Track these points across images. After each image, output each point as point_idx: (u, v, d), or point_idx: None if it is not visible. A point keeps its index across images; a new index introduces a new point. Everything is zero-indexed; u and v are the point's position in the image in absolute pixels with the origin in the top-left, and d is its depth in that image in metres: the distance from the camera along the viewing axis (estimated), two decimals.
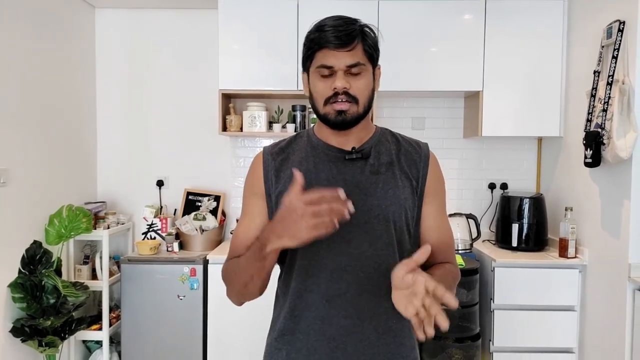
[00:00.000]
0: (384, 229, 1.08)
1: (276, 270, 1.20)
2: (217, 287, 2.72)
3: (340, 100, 1.05)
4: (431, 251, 1.15)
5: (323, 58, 1.05)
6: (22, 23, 2.53)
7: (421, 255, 0.90)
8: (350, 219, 1.06)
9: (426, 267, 1.19)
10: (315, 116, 3.43)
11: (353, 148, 1.12)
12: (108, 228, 2.92)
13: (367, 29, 1.09)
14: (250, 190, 1.17)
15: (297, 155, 1.15)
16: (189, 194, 3.20)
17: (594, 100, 2.42)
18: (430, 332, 0.85)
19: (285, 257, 1.14)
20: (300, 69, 1.18)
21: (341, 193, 0.88)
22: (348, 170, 1.11)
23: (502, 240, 2.91)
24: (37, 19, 2.65)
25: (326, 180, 1.10)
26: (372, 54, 1.09)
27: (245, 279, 1.05)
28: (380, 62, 1.15)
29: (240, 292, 1.09)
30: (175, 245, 2.97)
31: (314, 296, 1.08)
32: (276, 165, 1.14)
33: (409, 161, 1.14)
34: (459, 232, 2.89)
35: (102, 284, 2.86)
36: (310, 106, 3.41)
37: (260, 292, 1.08)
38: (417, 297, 0.86)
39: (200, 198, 3.18)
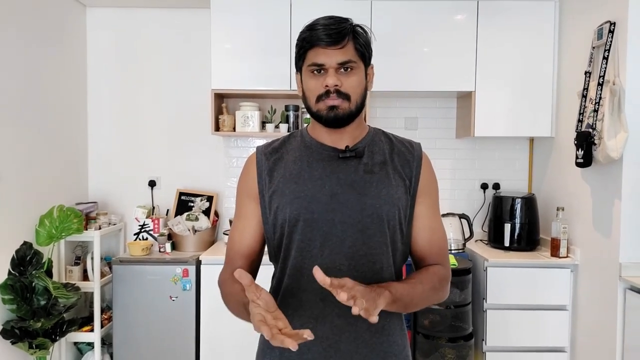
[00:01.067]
0: (377, 228, 1.08)
1: (270, 270, 1.20)
2: (209, 288, 2.71)
3: (332, 98, 1.06)
4: (423, 252, 1.16)
5: (314, 56, 1.06)
6: (12, 22, 2.50)
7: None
8: (344, 217, 1.07)
9: (419, 268, 1.19)
10: (308, 116, 3.41)
11: (347, 147, 1.12)
12: (99, 229, 2.90)
13: (358, 28, 1.10)
14: (243, 191, 1.17)
15: (291, 154, 1.15)
16: (181, 194, 3.19)
17: (585, 101, 2.43)
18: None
19: (278, 257, 1.13)
20: (294, 68, 1.19)
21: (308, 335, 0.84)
22: (342, 169, 1.11)
23: (495, 240, 2.92)
24: (27, 18, 2.62)
25: (320, 179, 1.10)
26: (364, 53, 1.10)
27: (237, 314, 1.05)
28: (373, 62, 1.16)
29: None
30: (168, 245, 2.96)
31: (308, 295, 1.08)
32: (270, 165, 1.15)
33: (402, 161, 1.15)
34: (452, 232, 2.90)
35: (94, 285, 2.83)
36: (303, 106, 3.38)
37: None
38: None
39: (192, 198, 3.16)
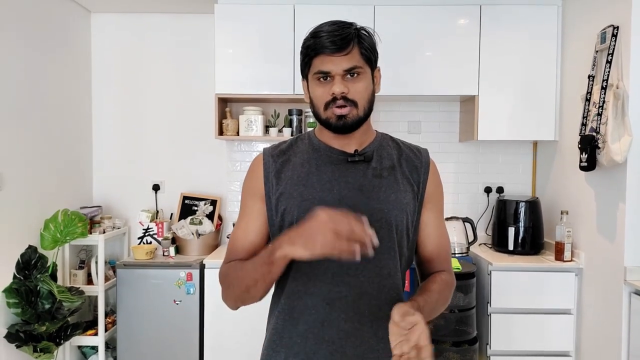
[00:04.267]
0: (385, 232, 1.08)
1: None
2: (213, 291, 2.71)
3: (339, 105, 1.05)
4: (429, 258, 1.16)
5: (320, 64, 1.05)
6: (17, 27, 2.52)
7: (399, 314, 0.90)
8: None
9: (424, 274, 1.19)
10: (312, 120, 3.41)
11: (355, 150, 1.12)
12: (104, 233, 2.91)
13: (363, 32, 1.09)
14: (249, 191, 1.16)
15: (299, 157, 1.15)
16: (185, 198, 3.19)
17: (588, 105, 2.43)
18: None
19: None
20: (297, 72, 1.19)
21: (366, 224, 0.88)
22: (350, 173, 1.11)
23: (499, 243, 2.92)
24: (32, 23, 2.64)
25: (328, 183, 1.10)
26: (370, 57, 1.09)
27: (248, 283, 1.02)
28: (378, 65, 1.15)
29: (240, 297, 1.06)
30: (172, 249, 2.96)
31: (314, 299, 1.08)
32: (277, 167, 1.14)
33: (410, 166, 1.15)
34: (456, 235, 2.90)
35: (98, 289, 2.84)
36: (307, 111, 3.37)
37: (260, 298, 1.05)
38: (409, 343, 0.86)
39: (196, 202, 3.17)
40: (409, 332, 0.87)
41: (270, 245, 0.98)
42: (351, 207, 1.07)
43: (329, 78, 1.06)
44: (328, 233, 0.86)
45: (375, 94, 1.13)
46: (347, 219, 0.87)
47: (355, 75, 1.06)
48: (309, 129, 1.22)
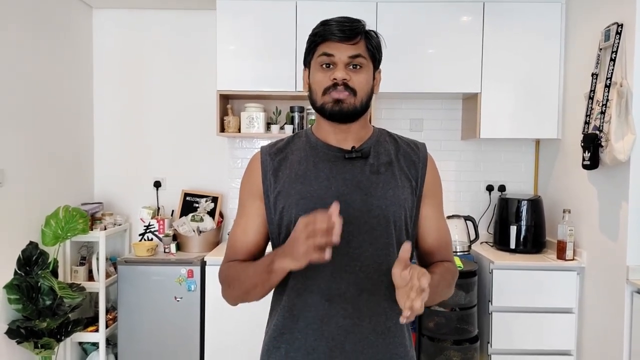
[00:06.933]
0: (384, 228, 1.08)
1: None
2: (214, 288, 2.71)
3: (338, 91, 1.06)
4: (430, 251, 1.17)
5: (326, 48, 1.07)
6: (18, 23, 2.52)
7: (404, 252, 0.93)
8: (351, 218, 1.06)
9: (425, 267, 1.20)
10: (314, 117, 3.40)
11: (353, 147, 1.12)
12: (105, 229, 2.91)
13: (371, 31, 1.11)
14: (247, 191, 1.17)
15: (296, 155, 1.15)
16: (186, 195, 3.19)
17: (592, 103, 2.42)
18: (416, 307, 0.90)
19: None
20: (299, 69, 1.20)
21: (335, 207, 0.90)
22: (348, 169, 1.11)
23: (500, 242, 2.91)
24: (33, 19, 2.64)
25: (326, 180, 1.10)
26: (375, 54, 1.11)
27: (248, 287, 1.06)
28: (380, 67, 1.16)
29: (239, 297, 1.10)
30: (173, 246, 2.96)
31: (314, 296, 1.08)
32: (275, 166, 1.14)
33: (408, 162, 1.15)
34: (457, 234, 2.89)
35: (99, 286, 2.84)
36: (309, 108, 3.37)
37: (260, 299, 1.09)
38: (413, 289, 0.89)
39: (197, 199, 3.17)
40: (410, 280, 0.89)
41: (271, 254, 1.01)
42: (349, 203, 1.07)
43: (331, 66, 1.07)
44: (305, 242, 0.89)
45: (374, 94, 1.15)
46: (315, 221, 0.89)
47: (358, 67, 1.08)
48: (309, 126, 1.23)
